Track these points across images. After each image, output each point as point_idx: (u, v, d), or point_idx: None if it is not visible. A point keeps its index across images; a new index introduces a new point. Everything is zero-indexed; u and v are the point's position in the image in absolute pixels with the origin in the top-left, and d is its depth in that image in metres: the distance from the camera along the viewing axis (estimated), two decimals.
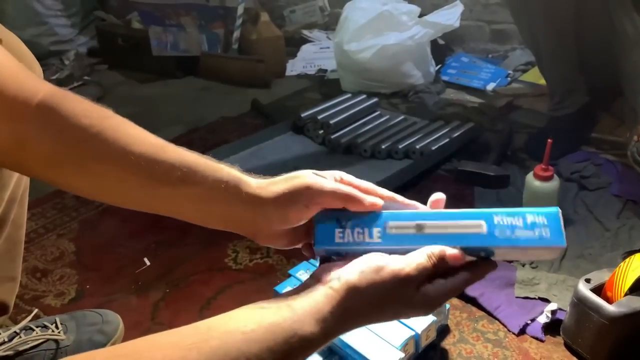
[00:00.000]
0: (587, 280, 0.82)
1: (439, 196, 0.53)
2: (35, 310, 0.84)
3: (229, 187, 0.49)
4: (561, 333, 0.86)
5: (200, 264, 1.06)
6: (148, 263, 1.06)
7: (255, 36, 2.08)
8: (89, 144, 0.49)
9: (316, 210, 0.49)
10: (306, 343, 0.41)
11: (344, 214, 0.48)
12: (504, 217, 0.46)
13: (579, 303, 0.81)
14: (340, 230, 0.48)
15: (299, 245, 0.54)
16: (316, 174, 0.50)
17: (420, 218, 0.47)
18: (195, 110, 1.81)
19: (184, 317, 0.93)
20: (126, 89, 2.02)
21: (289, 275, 0.90)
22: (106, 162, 0.50)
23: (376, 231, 0.47)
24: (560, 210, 0.46)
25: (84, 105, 0.51)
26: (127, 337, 0.88)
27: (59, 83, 1.99)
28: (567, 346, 0.84)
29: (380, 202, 0.49)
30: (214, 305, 0.96)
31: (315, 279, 0.45)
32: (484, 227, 0.46)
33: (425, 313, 0.46)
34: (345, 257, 0.47)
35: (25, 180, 0.72)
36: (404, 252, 0.46)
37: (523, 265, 1.02)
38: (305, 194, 0.48)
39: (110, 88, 2.01)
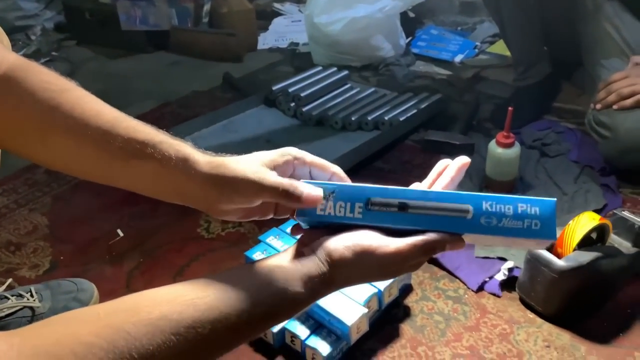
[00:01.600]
0: None
1: (463, 161, 0.52)
2: (10, 280, 0.86)
3: (178, 163, 0.50)
4: (516, 289, 0.91)
5: (173, 234, 1.09)
6: (121, 234, 1.08)
7: (225, 9, 2.07)
8: (47, 116, 0.51)
9: (259, 202, 0.50)
10: (295, 301, 0.45)
11: (330, 185, 0.48)
12: (493, 203, 0.44)
13: (532, 259, 0.86)
14: (323, 202, 0.47)
15: (257, 218, 0.54)
16: (264, 160, 0.50)
17: (405, 196, 0.46)
18: (166, 85, 1.81)
19: (158, 284, 0.95)
20: (96, 65, 2.00)
21: (260, 241, 0.93)
22: (63, 135, 0.51)
23: (357, 206, 0.46)
24: (556, 202, 0.44)
25: (45, 77, 0.52)
26: None
27: None
28: (522, 301, 0.90)
29: (319, 193, 0.48)
30: (187, 272, 0.99)
31: (304, 245, 0.48)
32: (470, 212, 0.44)
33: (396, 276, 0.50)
34: (329, 226, 0.47)
35: None
36: (386, 229, 0.46)
37: None
38: (246, 187, 0.49)
39: (79, 64, 1.98)
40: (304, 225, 0.50)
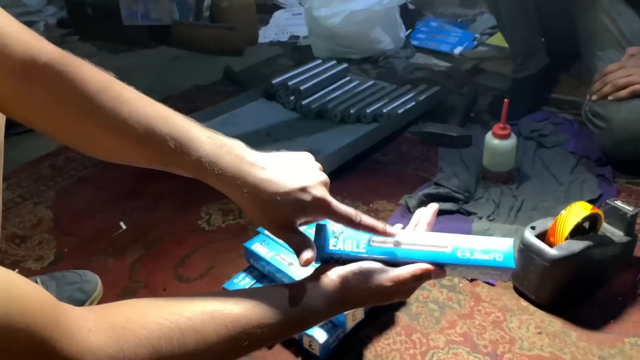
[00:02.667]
0: (533, 228, 0.88)
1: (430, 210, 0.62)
2: (16, 271, 0.87)
3: (225, 177, 0.54)
4: (510, 277, 0.93)
5: (175, 226, 1.11)
6: (124, 227, 1.11)
7: (226, 3, 2.08)
8: (89, 112, 0.53)
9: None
10: (315, 314, 0.54)
11: (338, 228, 0.58)
12: (466, 241, 0.56)
13: (525, 248, 0.87)
14: (334, 239, 0.58)
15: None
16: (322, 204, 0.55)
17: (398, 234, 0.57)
18: (168, 79, 1.83)
19: (160, 275, 0.98)
20: (98, 61, 1.94)
21: (258, 233, 0.95)
22: (105, 132, 0.54)
23: (362, 243, 0.57)
24: (513, 241, 0.57)
25: (87, 71, 0.53)
26: (106, 294, 0.93)
27: None
28: (515, 289, 0.92)
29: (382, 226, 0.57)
30: (188, 263, 1.01)
31: (320, 274, 0.56)
32: (449, 247, 0.56)
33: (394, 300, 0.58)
34: (338, 260, 0.57)
35: (0, 142, 0.75)
36: (385, 261, 0.56)
37: (480, 218, 1.09)
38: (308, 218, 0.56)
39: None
40: (316, 262, 0.57)
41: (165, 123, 0.54)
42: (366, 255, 0.56)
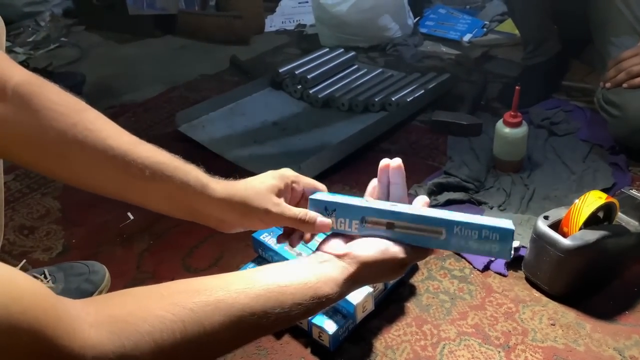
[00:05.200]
0: (546, 217, 0.87)
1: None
2: (24, 261, 0.88)
3: (195, 190, 0.56)
4: (522, 268, 0.91)
5: None
6: (132, 217, 1.10)
7: None
8: (66, 133, 0.53)
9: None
10: (325, 300, 0.52)
11: (331, 203, 0.57)
12: (462, 228, 0.52)
13: (538, 238, 0.86)
14: (327, 217, 0.56)
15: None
16: (272, 189, 0.58)
17: (392, 217, 0.54)
18: (174, 68, 1.81)
19: (168, 265, 0.98)
20: (104, 50, 2.01)
21: None
22: (83, 153, 0.54)
23: (354, 223, 0.55)
24: (514, 230, 0.51)
25: (59, 95, 0.54)
26: (114, 285, 0.93)
27: (36, 45, 1.98)
28: (528, 280, 0.90)
29: (328, 222, 0.56)
30: (196, 254, 1.00)
31: (328, 252, 0.55)
32: (443, 234, 0.53)
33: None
34: (337, 223, 0.56)
35: None
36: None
37: (491, 208, 1.07)
38: (269, 219, 0.57)
39: (88, 49, 1.99)
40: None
41: (147, 146, 0.56)
42: (359, 234, 0.55)
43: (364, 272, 0.53)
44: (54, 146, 0.54)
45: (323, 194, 0.60)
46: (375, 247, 0.54)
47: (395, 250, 0.54)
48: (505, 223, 0.52)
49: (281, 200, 0.58)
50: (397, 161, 0.58)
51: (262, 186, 0.58)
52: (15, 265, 0.91)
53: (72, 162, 0.55)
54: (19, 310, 0.34)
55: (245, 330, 0.48)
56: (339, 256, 0.53)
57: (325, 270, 0.52)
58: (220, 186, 0.57)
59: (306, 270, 0.52)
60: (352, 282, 0.53)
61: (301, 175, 0.62)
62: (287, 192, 0.60)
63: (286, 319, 0.50)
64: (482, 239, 0.51)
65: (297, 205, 0.60)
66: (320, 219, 0.57)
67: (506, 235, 0.51)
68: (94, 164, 0.54)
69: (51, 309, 0.37)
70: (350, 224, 0.55)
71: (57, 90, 0.54)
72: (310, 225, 0.57)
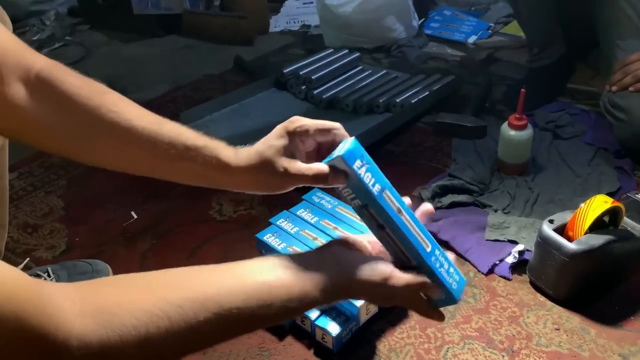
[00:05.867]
0: (551, 221, 0.86)
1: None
2: (27, 259, 0.88)
3: (218, 169, 0.56)
4: (527, 272, 0.91)
5: (186, 216, 1.10)
6: (135, 216, 1.10)
7: None
8: (90, 117, 0.54)
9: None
10: (311, 302, 0.52)
11: (368, 156, 0.55)
12: (441, 254, 0.57)
13: (543, 242, 0.85)
14: (361, 162, 0.54)
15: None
16: (279, 150, 0.56)
17: (403, 207, 0.56)
18: (178, 68, 1.81)
19: (171, 266, 0.96)
20: (109, 49, 2.01)
21: (270, 224, 0.94)
22: (109, 136, 0.54)
23: (377, 187, 0.54)
24: (466, 281, 0.59)
25: (81, 80, 0.55)
26: None
27: (41, 44, 1.98)
28: (532, 284, 0.90)
29: (341, 174, 0.54)
30: (199, 254, 1.00)
31: (323, 253, 0.56)
32: (429, 247, 0.56)
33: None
34: (343, 190, 0.55)
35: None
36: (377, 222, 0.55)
37: (495, 211, 1.07)
38: (285, 183, 0.56)
39: (92, 49, 1.99)
40: (334, 164, 0.55)
41: (172, 126, 0.57)
42: (374, 197, 0.54)
43: (355, 286, 0.53)
44: (78, 130, 0.54)
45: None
46: (368, 268, 0.54)
47: (396, 277, 0.54)
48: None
49: (290, 161, 0.55)
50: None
51: (271, 151, 0.56)
52: (18, 264, 0.91)
53: (97, 145, 0.55)
54: (4, 298, 0.34)
55: (231, 328, 0.48)
56: (336, 267, 0.53)
57: (318, 278, 0.52)
58: (242, 161, 0.57)
59: (298, 271, 0.52)
60: (339, 294, 0.54)
61: (307, 120, 0.57)
62: (299, 144, 0.57)
63: (272, 319, 0.51)
64: (451, 270, 0.57)
65: (315, 149, 0.58)
66: (333, 174, 0.54)
67: (463, 281, 0.58)
68: (119, 146, 0.55)
69: (36, 297, 0.37)
70: (374, 184, 0.54)
71: (79, 75, 0.55)
72: (324, 180, 0.54)
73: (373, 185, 0.54)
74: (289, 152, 0.56)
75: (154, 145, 0.55)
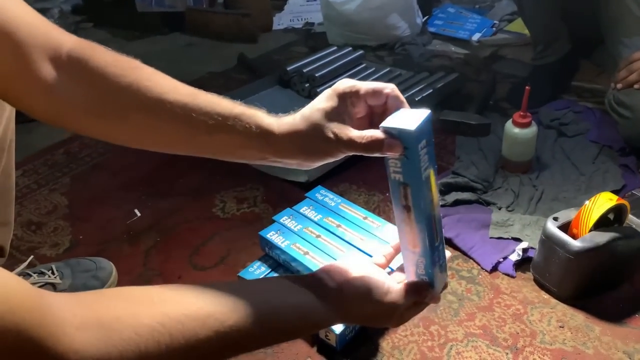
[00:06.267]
0: (555, 219, 0.86)
1: None
2: (31, 257, 0.88)
3: (260, 135, 0.52)
4: (531, 269, 0.91)
5: (189, 213, 1.10)
6: (139, 214, 1.10)
7: None
8: (123, 93, 0.52)
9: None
10: (316, 326, 0.54)
11: (431, 132, 0.50)
12: (442, 248, 0.57)
13: (547, 240, 0.85)
14: (426, 142, 0.49)
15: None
16: (329, 113, 0.51)
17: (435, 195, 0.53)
18: (181, 66, 1.81)
19: (174, 263, 0.98)
20: (112, 47, 1.95)
21: (274, 222, 0.94)
22: (143, 111, 0.52)
23: (426, 172, 0.50)
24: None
25: (112, 56, 0.53)
26: (120, 282, 0.93)
27: None
28: (536, 281, 0.90)
29: (396, 143, 0.48)
30: (202, 251, 1.00)
31: (331, 281, 0.54)
32: (438, 240, 0.55)
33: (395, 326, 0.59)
34: (391, 160, 0.49)
35: (12, 132, 0.75)
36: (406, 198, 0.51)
37: (499, 209, 1.06)
38: (332, 151, 0.51)
39: None
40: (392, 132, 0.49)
41: (206, 97, 0.53)
42: (421, 182, 0.49)
43: (355, 309, 0.53)
44: (113, 107, 0.53)
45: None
46: (367, 291, 0.53)
47: (392, 295, 0.54)
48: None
49: (340, 126, 0.50)
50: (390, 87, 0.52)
51: (319, 115, 0.51)
52: (23, 261, 0.91)
53: (131, 122, 0.53)
54: (5, 310, 0.34)
55: (231, 347, 0.47)
56: (339, 293, 0.53)
57: (319, 304, 0.52)
58: (286, 127, 0.52)
59: (300, 293, 0.51)
60: (343, 317, 0.54)
61: (358, 84, 0.52)
62: (349, 108, 0.51)
63: (272, 341, 0.52)
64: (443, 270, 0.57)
65: (368, 114, 0.53)
66: (388, 142, 0.48)
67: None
68: (154, 122, 0.52)
69: (37, 310, 0.36)
70: (399, 173, 0.49)
71: (109, 52, 0.53)
72: (377, 149, 0.49)
73: (424, 170, 0.50)
74: (339, 116, 0.51)
75: (189, 118, 0.51)
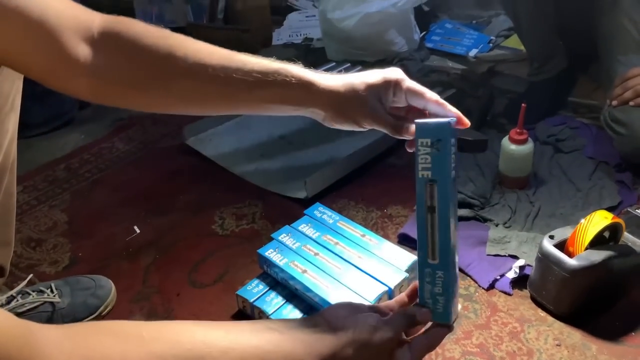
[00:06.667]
0: (551, 237, 0.86)
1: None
2: (31, 275, 0.88)
3: (300, 91, 0.57)
4: (527, 287, 0.91)
5: (188, 230, 1.11)
6: (138, 231, 1.11)
7: (240, 5, 2.08)
8: (163, 62, 0.53)
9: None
10: None
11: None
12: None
13: (543, 258, 0.86)
14: (455, 144, 0.55)
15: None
16: (372, 88, 0.57)
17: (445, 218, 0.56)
18: None
19: (173, 281, 0.98)
20: None
21: (272, 239, 0.95)
22: (184, 77, 0.54)
23: (453, 173, 0.54)
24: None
25: (143, 27, 0.55)
26: (119, 300, 0.93)
27: None
28: (533, 299, 0.90)
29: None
30: (201, 268, 1.01)
31: (326, 325, 0.53)
32: (456, 247, 0.56)
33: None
34: (422, 155, 0.53)
35: (14, 151, 0.76)
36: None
37: (496, 225, 1.07)
38: (358, 121, 0.58)
39: None
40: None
41: (243, 56, 0.57)
42: (450, 179, 0.54)
43: (347, 351, 0.52)
44: (155, 77, 0.54)
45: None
46: (359, 333, 0.52)
47: (382, 332, 0.53)
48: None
49: (378, 106, 0.58)
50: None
51: (363, 86, 0.57)
52: (22, 279, 0.92)
53: (177, 90, 0.55)
54: None
55: None
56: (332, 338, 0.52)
57: (311, 339, 0.51)
58: (328, 82, 0.58)
59: (293, 339, 0.51)
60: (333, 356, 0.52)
61: (407, 79, 0.59)
62: (388, 95, 0.59)
63: None
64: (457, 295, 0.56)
65: (405, 109, 0.60)
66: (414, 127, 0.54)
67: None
68: (199, 86, 0.55)
69: (26, 346, 0.36)
70: (428, 169, 0.53)
71: (140, 22, 0.55)
72: (405, 130, 0.57)
73: (453, 170, 0.53)
74: (378, 96, 0.57)
75: (230, 79, 0.54)
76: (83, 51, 0.53)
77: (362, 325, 0.53)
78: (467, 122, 0.60)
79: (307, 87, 0.57)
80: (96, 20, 0.54)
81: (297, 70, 0.57)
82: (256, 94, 0.56)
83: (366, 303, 0.80)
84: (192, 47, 0.55)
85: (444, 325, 0.55)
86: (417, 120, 0.54)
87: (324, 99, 0.57)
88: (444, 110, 0.58)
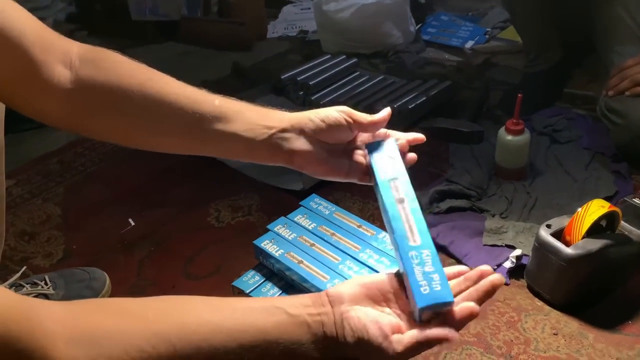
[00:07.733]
0: (548, 226, 0.86)
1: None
2: (24, 268, 0.87)
3: (263, 144, 0.59)
4: (524, 276, 0.91)
5: (184, 223, 1.10)
6: (133, 223, 1.10)
7: None
8: (144, 88, 0.55)
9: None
10: (305, 355, 0.50)
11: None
12: (430, 257, 0.54)
13: (540, 247, 0.85)
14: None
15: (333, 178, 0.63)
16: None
17: (409, 199, 0.59)
18: (176, 75, 1.79)
19: (169, 273, 0.98)
20: None
21: (268, 230, 0.94)
22: (162, 110, 0.56)
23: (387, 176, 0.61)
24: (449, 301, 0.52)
25: (123, 56, 0.57)
26: (114, 292, 0.93)
27: None
28: (530, 288, 0.90)
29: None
30: (196, 261, 1.00)
31: (329, 306, 0.51)
32: (416, 242, 0.54)
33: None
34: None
35: (1, 140, 0.75)
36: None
37: (493, 216, 1.07)
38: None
39: None
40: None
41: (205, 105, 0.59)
42: (377, 182, 0.60)
43: (351, 340, 0.50)
44: (132, 104, 0.55)
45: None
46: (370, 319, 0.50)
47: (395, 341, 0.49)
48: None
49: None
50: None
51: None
52: (16, 272, 0.91)
53: (150, 121, 0.56)
54: None
55: None
56: (337, 322, 0.50)
57: (312, 334, 0.50)
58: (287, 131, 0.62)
59: (299, 322, 0.50)
60: (335, 350, 0.50)
61: (357, 115, 0.63)
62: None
63: None
64: (425, 276, 0.52)
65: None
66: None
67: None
68: (171, 120, 0.56)
69: (25, 321, 0.36)
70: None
71: (116, 53, 0.56)
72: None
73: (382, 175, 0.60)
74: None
75: (198, 123, 0.57)
76: (60, 72, 0.53)
77: (373, 330, 0.50)
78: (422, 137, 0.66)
79: (277, 148, 0.60)
80: (74, 46, 0.55)
81: (263, 120, 0.61)
82: (224, 145, 0.59)
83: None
84: (167, 80, 0.58)
85: (447, 303, 0.51)
86: (366, 144, 0.64)
87: (268, 154, 0.60)
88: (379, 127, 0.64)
